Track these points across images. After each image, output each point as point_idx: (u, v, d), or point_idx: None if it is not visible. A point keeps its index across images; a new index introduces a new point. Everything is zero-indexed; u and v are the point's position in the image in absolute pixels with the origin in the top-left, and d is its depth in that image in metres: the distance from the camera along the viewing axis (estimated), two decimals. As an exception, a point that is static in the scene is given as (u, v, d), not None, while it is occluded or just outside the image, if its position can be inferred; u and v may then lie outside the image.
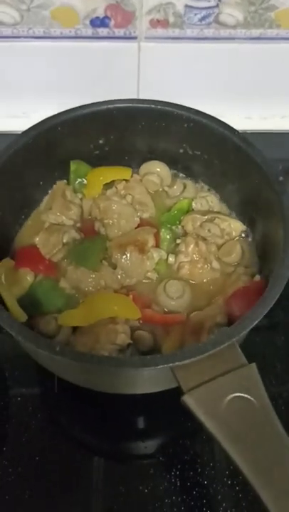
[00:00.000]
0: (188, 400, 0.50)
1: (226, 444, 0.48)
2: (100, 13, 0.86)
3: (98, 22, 0.87)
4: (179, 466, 0.67)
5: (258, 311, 0.54)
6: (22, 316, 0.64)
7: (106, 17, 0.86)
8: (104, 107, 0.71)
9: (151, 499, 0.65)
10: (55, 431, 0.71)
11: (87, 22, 0.87)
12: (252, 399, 0.50)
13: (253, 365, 0.53)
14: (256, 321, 0.54)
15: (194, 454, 0.68)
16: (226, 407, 0.50)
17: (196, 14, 0.86)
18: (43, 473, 0.67)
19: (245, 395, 0.50)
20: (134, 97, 0.97)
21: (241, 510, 0.63)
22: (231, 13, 0.86)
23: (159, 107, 0.71)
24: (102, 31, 0.88)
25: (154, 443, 0.71)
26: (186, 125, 0.72)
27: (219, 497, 0.65)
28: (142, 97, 0.97)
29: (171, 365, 0.51)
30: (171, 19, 0.87)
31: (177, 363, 0.51)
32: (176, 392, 0.53)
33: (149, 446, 0.71)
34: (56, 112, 0.72)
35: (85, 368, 0.55)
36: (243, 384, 0.51)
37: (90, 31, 0.88)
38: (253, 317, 0.54)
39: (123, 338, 0.60)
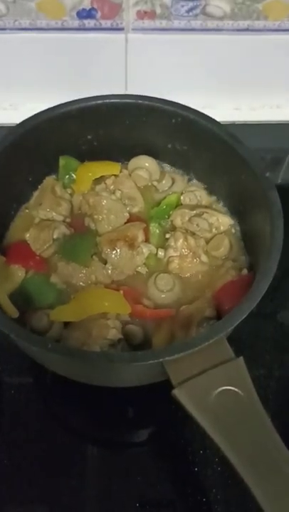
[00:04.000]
0: (179, 393, 0.52)
1: (216, 436, 0.50)
2: (87, 4, 0.85)
3: (85, 13, 0.86)
4: (170, 454, 0.69)
5: (245, 306, 0.56)
6: (14, 312, 0.64)
7: (93, 8, 0.86)
8: (93, 102, 0.71)
9: (143, 486, 0.66)
10: (47, 420, 0.72)
11: (74, 13, 0.86)
12: (239, 391, 0.52)
13: (241, 358, 0.54)
14: (244, 316, 0.55)
15: (185, 442, 0.70)
16: (215, 400, 0.51)
17: (183, 6, 0.86)
18: (36, 461, 0.68)
19: (233, 388, 0.52)
20: (122, 88, 0.98)
21: (232, 496, 0.65)
22: (218, 5, 0.86)
23: (146, 102, 0.71)
24: (89, 23, 0.88)
25: (145, 431, 0.73)
26: (173, 120, 0.72)
27: (210, 483, 0.67)
28: (129, 88, 0.98)
29: (161, 360, 0.52)
30: (158, 10, 0.87)
31: (167, 358, 0.52)
32: (167, 383, 0.54)
33: (140, 434, 0.73)
34: (43, 104, 0.72)
35: (77, 364, 0.56)
36: (230, 377, 0.52)
37: (76, 23, 0.88)
38: (240, 312, 0.55)
39: (114, 333, 0.61)
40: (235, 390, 0.52)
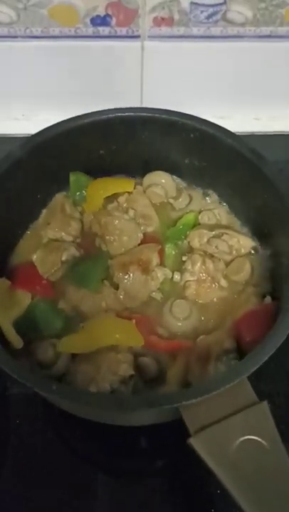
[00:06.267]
0: (196, 443, 0.47)
1: (236, 493, 0.45)
2: (101, 11, 0.82)
3: (99, 20, 0.84)
4: (184, 484, 0.65)
5: (270, 344, 0.51)
6: (18, 342, 0.61)
7: (107, 15, 0.83)
8: (105, 116, 0.68)
9: None
10: (57, 447, 0.69)
11: (88, 20, 0.84)
12: (263, 442, 0.47)
13: (265, 403, 0.49)
14: (268, 355, 0.50)
15: (200, 472, 0.64)
16: (236, 452, 0.46)
17: (202, 12, 0.83)
18: (46, 488, 0.66)
19: (256, 438, 0.47)
20: (138, 98, 0.95)
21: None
22: (240, 11, 0.83)
23: (163, 116, 0.68)
24: (104, 30, 0.85)
25: (159, 461, 0.70)
26: (192, 135, 0.68)
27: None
28: (145, 98, 0.95)
29: (176, 405, 0.48)
30: (176, 17, 0.83)
31: (184, 403, 0.48)
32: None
33: (153, 464, 0.69)
34: (57, 115, 0.69)
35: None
36: (253, 425, 0.48)
37: (90, 30, 0.85)
38: (264, 351, 0.50)
39: (125, 369, 0.57)
40: (259, 439, 0.47)
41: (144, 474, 0.68)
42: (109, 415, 0.57)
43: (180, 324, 0.65)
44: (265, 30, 0.85)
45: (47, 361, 0.60)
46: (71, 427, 0.70)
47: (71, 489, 0.65)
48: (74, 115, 0.69)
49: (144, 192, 0.74)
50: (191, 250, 0.70)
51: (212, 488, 0.64)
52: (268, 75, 0.92)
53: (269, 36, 0.86)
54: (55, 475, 0.66)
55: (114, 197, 0.73)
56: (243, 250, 0.69)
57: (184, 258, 0.69)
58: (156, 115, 0.68)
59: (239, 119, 0.98)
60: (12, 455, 0.67)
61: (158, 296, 0.67)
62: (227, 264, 0.69)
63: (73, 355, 0.61)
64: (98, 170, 0.74)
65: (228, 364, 0.58)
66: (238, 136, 0.67)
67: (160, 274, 0.67)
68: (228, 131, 0.67)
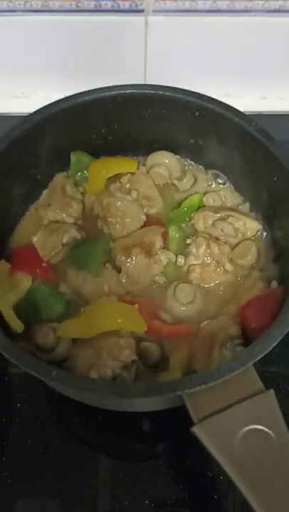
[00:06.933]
0: (199, 431, 0.46)
1: (241, 483, 0.44)
2: (103, -17, 0.79)
3: (101, -6, 0.81)
4: (187, 469, 0.65)
5: (277, 331, 0.49)
6: (18, 326, 0.60)
7: (110, -12, 0.80)
8: (107, 93, 0.66)
9: (157, 495, 0.63)
10: (59, 429, 0.68)
11: (89, -7, 0.81)
12: (269, 431, 0.46)
13: (271, 391, 0.48)
14: (275, 342, 0.49)
15: (203, 458, 0.64)
16: (241, 442, 0.45)
17: (208, -16, 0.79)
18: (49, 469, 0.65)
19: (262, 427, 0.46)
20: (141, 75, 0.93)
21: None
22: (248, -17, 0.80)
23: (167, 93, 0.66)
24: (106, 4, 0.82)
25: (161, 444, 0.69)
26: (197, 113, 0.66)
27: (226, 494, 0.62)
28: (149, 75, 0.92)
29: (180, 393, 0.46)
30: (182, -10, 0.80)
31: (187, 391, 0.46)
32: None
33: (156, 447, 0.69)
34: (57, 93, 0.68)
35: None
36: (259, 414, 0.46)
37: (92, 4, 0.82)
38: (271, 338, 0.49)
39: (127, 354, 0.56)
40: (265, 429, 0.46)
41: (147, 459, 0.68)
42: (111, 402, 0.56)
43: (184, 309, 0.64)
44: (274, 4, 0.82)
45: (47, 346, 0.59)
46: (73, 411, 0.69)
47: (72, 472, 0.65)
48: (75, 93, 0.67)
49: (148, 172, 0.73)
50: (195, 233, 0.69)
51: (215, 473, 0.64)
52: (277, 52, 0.90)
53: (278, 11, 0.83)
54: (57, 458, 0.66)
55: (116, 177, 0.71)
56: (249, 233, 0.68)
57: (188, 241, 0.68)
58: (160, 92, 0.66)
59: (246, 97, 0.96)
60: (14, 438, 0.67)
61: (161, 279, 0.66)
62: (232, 247, 0.68)
63: (74, 340, 0.60)
64: (100, 150, 0.73)
65: (233, 350, 0.57)
66: (246, 115, 0.65)
67: (163, 257, 0.65)
68: (236, 109, 0.65)
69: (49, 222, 0.69)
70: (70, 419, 0.69)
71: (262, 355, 0.48)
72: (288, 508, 0.43)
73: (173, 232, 0.68)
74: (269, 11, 0.83)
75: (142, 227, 0.68)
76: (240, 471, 0.44)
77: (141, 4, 0.81)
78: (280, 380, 0.65)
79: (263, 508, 0.42)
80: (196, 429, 0.46)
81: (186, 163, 0.75)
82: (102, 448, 0.68)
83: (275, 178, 0.62)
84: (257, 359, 0.48)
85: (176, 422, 0.65)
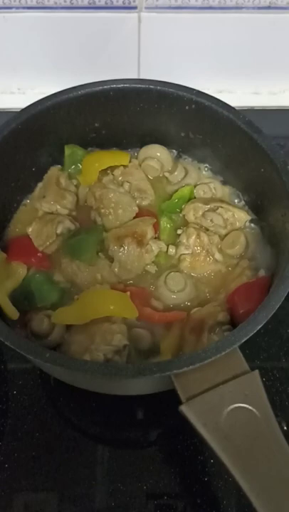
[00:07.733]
0: (187, 410, 0.48)
1: (226, 460, 0.45)
2: (97, -20, 0.81)
3: (95, -9, 0.82)
4: (180, 453, 0.66)
5: (261, 315, 0.51)
6: (14, 313, 0.61)
7: (103, -15, 0.81)
8: (100, 87, 0.67)
9: (151, 482, 0.64)
10: (54, 417, 0.69)
11: (83, -9, 0.82)
12: (254, 410, 0.47)
13: (256, 372, 0.50)
14: (260, 326, 0.51)
15: (194, 441, 0.66)
16: (227, 419, 0.47)
17: (200, -18, 0.81)
18: (45, 457, 0.66)
19: (247, 406, 0.47)
20: (135, 71, 0.94)
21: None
22: (239, -19, 0.81)
23: (158, 87, 0.67)
24: (100, 1, 0.83)
25: (154, 432, 0.70)
26: (187, 107, 0.68)
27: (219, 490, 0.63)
28: (142, 71, 0.94)
29: (168, 373, 0.48)
30: (174, -13, 0.81)
31: (175, 371, 0.48)
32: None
33: (149, 435, 0.70)
34: (53, 88, 0.68)
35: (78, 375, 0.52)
36: (244, 393, 0.48)
37: (86, 1, 0.84)
38: (256, 321, 0.51)
39: (119, 339, 0.57)
40: (250, 408, 0.47)
41: (140, 443, 0.69)
42: (104, 384, 0.58)
43: (174, 297, 0.65)
44: (264, 1, 0.84)
45: (42, 332, 0.60)
46: (68, 397, 0.70)
47: (68, 457, 0.66)
48: (69, 87, 0.68)
49: (140, 165, 0.74)
50: (186, 224, 0.70)
51: (206, 456, 0.65)
52: (268, 48, 0.91)
53: (268, 7, 0.85)
54: (52, 444, 0.67)
55: (109, 170, 0.72)
56: (238, 224, 0.69)
57: (178, 231, 0.69)
58: (151, 87, 0.67)
59: (238, 93, 0.98)
60: (10, 425, 0.68)
61: (153, 269, 0.67)
62: (222, 237, 0.69)
63: (68, 327, 0.61)
64: (93, 143, 0.74)
65: (222, 335, 0.59)
66: (234, 108, 0.66)
67: (155, 247, 0.67)
68: (224, 103, 0.66)
69: (44, 213, 0.70)
70: (64, 405, 0.70)
71: (247, 337, 0.50)
72: (270, 480, 0.44)
73: (164, 223, 0.70)
74: (260, 8, 0.84)
75: (134, 218, 0.69)
76: (226, 447, 0.45)
77: (134, 1, 0.82)
78: (268, 366, 0.67)
79: (247, 481, 0.44)
80: (183, 408, 0.48)
81: (177, 156, 0.76)
82: (97, 433, 0.70)
83: (262, 170, 0.64)
84: (242, 341, 0.50)
85: (168, 407, 0.67)
